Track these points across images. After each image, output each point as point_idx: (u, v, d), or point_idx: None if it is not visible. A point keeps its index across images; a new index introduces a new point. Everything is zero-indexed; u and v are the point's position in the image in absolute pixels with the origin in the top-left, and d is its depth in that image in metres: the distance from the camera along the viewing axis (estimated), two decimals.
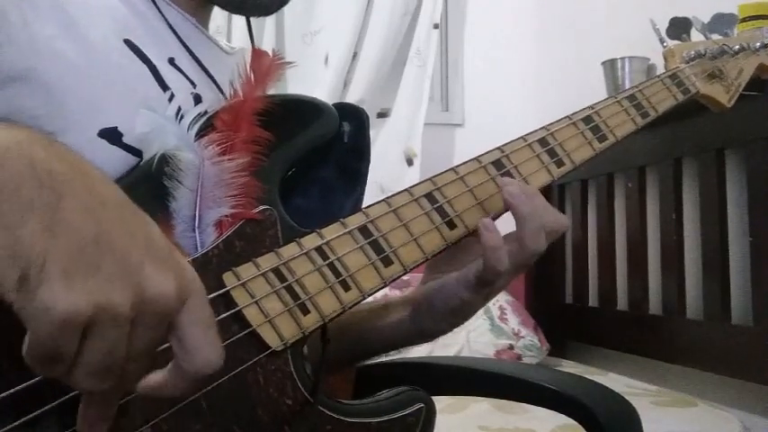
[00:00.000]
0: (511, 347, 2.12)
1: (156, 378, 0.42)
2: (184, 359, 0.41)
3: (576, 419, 0.78)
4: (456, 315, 0.71)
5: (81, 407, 0.41)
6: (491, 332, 2.13)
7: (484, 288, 0.67)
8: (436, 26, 2.60)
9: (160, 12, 0.71)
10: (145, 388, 0.42)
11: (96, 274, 0.37)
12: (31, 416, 0.43)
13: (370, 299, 0.63)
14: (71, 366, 0.38)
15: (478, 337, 2.11)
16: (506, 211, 0.68)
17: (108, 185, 0.42)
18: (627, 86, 2.06)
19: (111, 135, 0.60)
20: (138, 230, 0.41)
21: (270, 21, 2.47)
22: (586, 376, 0.88)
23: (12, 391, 0.42)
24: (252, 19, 0.83)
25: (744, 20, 1.63)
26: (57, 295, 0.36)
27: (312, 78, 2.45)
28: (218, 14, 0.86)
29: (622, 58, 2.11)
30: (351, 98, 2.47)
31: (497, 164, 0.73)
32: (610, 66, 2.14)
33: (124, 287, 0.38)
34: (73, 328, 0.36)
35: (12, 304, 0.36)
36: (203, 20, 0.79)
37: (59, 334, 0.36)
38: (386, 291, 0.64)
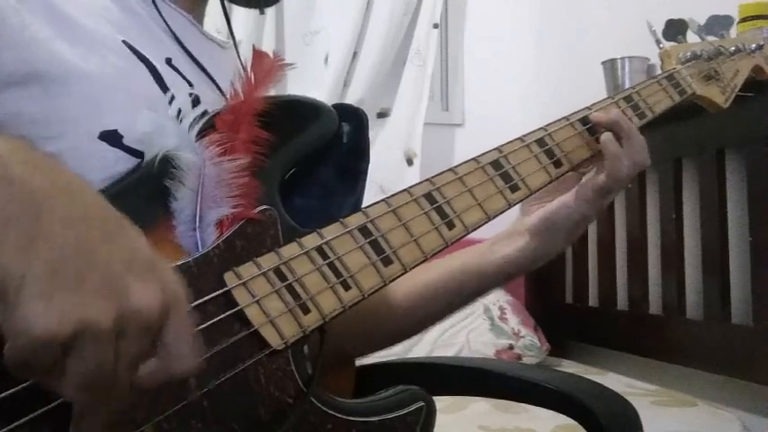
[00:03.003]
0: (511, 347, 2.12)
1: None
2: (167, 364, 0.41)
3: (576, 419, 0.78)
4: (575, 230, 0.81)
5: (73, 418, 0.41)
6: (491, 332, 2.14)
7: (603, 199, 0.79)
8: (436, 26, 2.60)
9: (157, 9, 0.71)
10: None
11: (77, 290, 0.37)
12: (25, 419, 0.43)
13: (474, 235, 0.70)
14: (58, 378, 0.38)
15: (478, 337, 2.11)
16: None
17: (90, 197, 0.42)
18: (627, 86, 2.07)
19: (112, 137, 0.60)
20: (120, 241, 0.41)
21: (270, 21, 2.47)
22: (586, 376, 0.88)
23: (13, 390, 0.42)
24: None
25: (743, 20, 1.63)
26: (35, 316, 0.36)
27: (312, 78, 2.45)
28: (216, 17, 0.86)
29: (622, 58, 2.11)
30: (351, 98, 2.47)
31: (496, 164, 0.73)
32: (610, 66, 2.14)
33: (106, 301, 0.38)
34: (53, 345, 0.36)
35: None
36: (199, 16, 0.79)
37: (38, 351, 0.36)
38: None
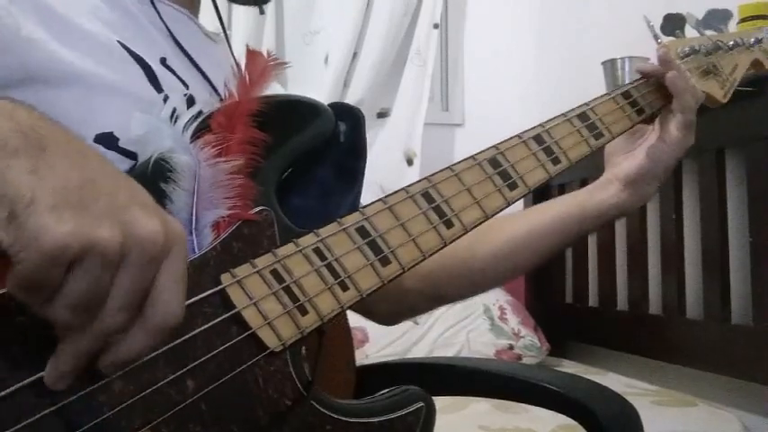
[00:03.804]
0: (511, 347, 2.12)
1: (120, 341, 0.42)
2: (152, 310, 0.42)
3: (575, 419, 0.78)
4: (667, 173, 0.87)
5: (52, 358, 0.41)
6: (491, 332, 2.13)
7: (688, 133, 0.85)
8: (436, 26, 2.60)
9: (154, 7, 0.70)
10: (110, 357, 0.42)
11: (84, 213, 0.38)
12: (33, 418, 0.43)
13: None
14: (52, 300, 0.39)
15: (478, 337, 2.11)
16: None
17: (88, 145, 0.44)
18: None
19: (107, 140, 0.60)
20: (121, 179, 0.43)
21: (270, 21, 2.47)
22: (586, 376, 0.87)
23: (10, 389, 0.42)
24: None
25: (743, 20, 1.63)
26: (46, 225, 0.37)
27: (312, 78, 2.45)
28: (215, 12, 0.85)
29: (622, 58, 2.10)
30: (351, 98, 2.47)
31: (493, 162, 0.72)
32: (610, 66, 2.14)
33: (112, 225, 0.39)
34: (61, 259, 0.37)
35: (1, 244, 0.37)
36: (194, 11, 0.79)
37: (47, 264, 0.37)
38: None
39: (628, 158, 0.87)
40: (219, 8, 0.85)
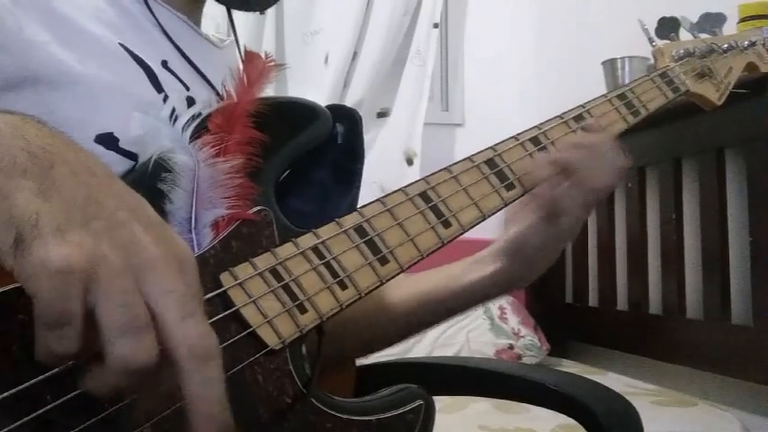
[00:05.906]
0: (511, 347, 2.12)
1: None
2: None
3: (576, 419, 0.78)
4: (545, 252, 0.77)
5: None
6: (491, 332, 2.14)
7: (553, 221, 0.74)
8: (436, 26, 2.60)
9: (151, 11, 0.70)
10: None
11: (87, 230, 0.38)
12: (33, 414, 0.43)
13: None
14: (99, 338, 0.38)
15: (478, 337, 2.11)
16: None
17: (97, 159, 0.44)
18: None
19: (107, 140, 0.60)
20: (126, 197, 0.43)
21: (270, 21, 2.47)
22: (586, 376, 0.88)
23: (17, 389, 0.42)
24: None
25: (743, 20, 1.63)
26: (50, 247, 0.37)
27: (312, 78, 2.45)
28: (218, 13, 0.85)
29: (622, 58, 2.11)
30: (351, 98, 2.47)
31: (490, 163, 0.73)
32: (610, 66, 2.14)
33: (113, 242, 0.39)
34: (71, 278, 0.37)
35: (11, 270, 0.37)
36: (195, 16, 0.79)
37: (60, 286, 0.37)
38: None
39: (509, 228, 0.79)
40: (219, 9, 0.85)
